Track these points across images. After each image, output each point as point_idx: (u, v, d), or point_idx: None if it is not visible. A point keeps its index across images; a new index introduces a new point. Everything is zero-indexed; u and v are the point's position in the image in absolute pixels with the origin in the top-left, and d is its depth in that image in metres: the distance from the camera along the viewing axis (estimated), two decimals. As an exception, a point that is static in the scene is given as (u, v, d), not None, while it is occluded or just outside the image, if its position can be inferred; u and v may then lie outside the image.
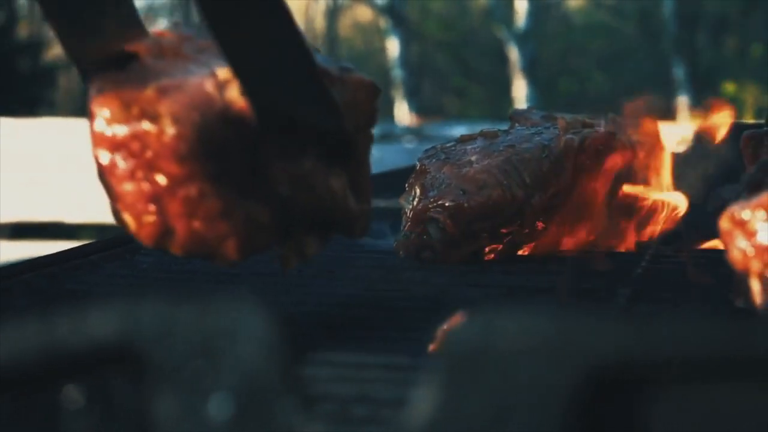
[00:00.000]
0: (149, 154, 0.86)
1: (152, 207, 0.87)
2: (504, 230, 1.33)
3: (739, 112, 9.58)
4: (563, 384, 0.43)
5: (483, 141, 1.38)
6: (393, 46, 11.05)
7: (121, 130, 0.86)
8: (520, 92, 10.94)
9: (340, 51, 12.59)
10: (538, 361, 0.43)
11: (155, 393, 0.47)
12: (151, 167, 0.86)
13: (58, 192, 5.62)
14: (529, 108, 1.52)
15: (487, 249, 1.33)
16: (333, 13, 13.14)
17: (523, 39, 10.89)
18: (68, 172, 5.47)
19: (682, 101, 10.47)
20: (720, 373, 0.44)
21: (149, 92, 0.86)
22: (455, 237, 1.30)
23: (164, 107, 0.86)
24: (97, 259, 1.28)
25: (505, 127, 1.46)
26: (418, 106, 10.88)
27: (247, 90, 0.84)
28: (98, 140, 0.87)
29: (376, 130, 1.01)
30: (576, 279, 1.21)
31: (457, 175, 1.33)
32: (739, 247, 0.88)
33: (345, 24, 13.56)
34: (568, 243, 1.39)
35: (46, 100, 9.21)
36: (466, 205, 1.31)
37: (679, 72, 11.03)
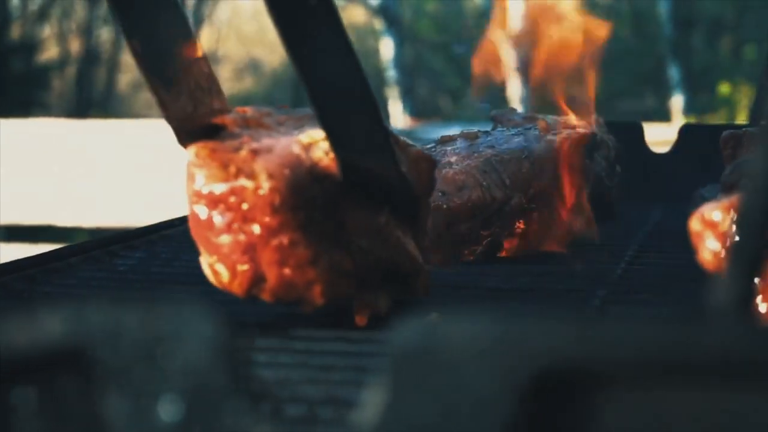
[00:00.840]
0: (245, 207, 0.94)
1: (246, 257, 0.95)
2: (484, 231, 1.32)
3: (733, 112, 9.57)
4: (510, 386, 0.43)
5: (463, 142, 1.38)
6: (387, 47, 11.04)
7: (219, 188, 0.95)
8: (515, 93, 10.92)
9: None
10: (484, 363, 0.43)
11: (104, 395, 0.47)
12: (246, 219, 0.94)
13: (53, 194, 5.61)
14: (510, 109, 1.52)
15: (466, 250, 1.33)
16: (328, 15, 13.10)
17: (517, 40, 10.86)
18: (63, 173, 5.46)
19: (677, 102, 10.47)
20: (669, 376, 0.44)
21: (244, 153, 0.96)
22: (434, 239, 1.30)
23: (258, 165, 0.95)
24: (76, 262, 1.28)
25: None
26: (412, 108, 10.86)
27: (335, 150, 0.94)
28: (197, 197, 0.96)
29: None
30: (555, 280, 1.21)
31: (437, 176, 1.32)
32: (710, 249, 0.87)
33: (340, 25, 13.52)
34: (548, 244, 1.38)
35: (39, 102, 9.20)
36: (445, 206, 1.30)
37: (674, 73, 11.02)
